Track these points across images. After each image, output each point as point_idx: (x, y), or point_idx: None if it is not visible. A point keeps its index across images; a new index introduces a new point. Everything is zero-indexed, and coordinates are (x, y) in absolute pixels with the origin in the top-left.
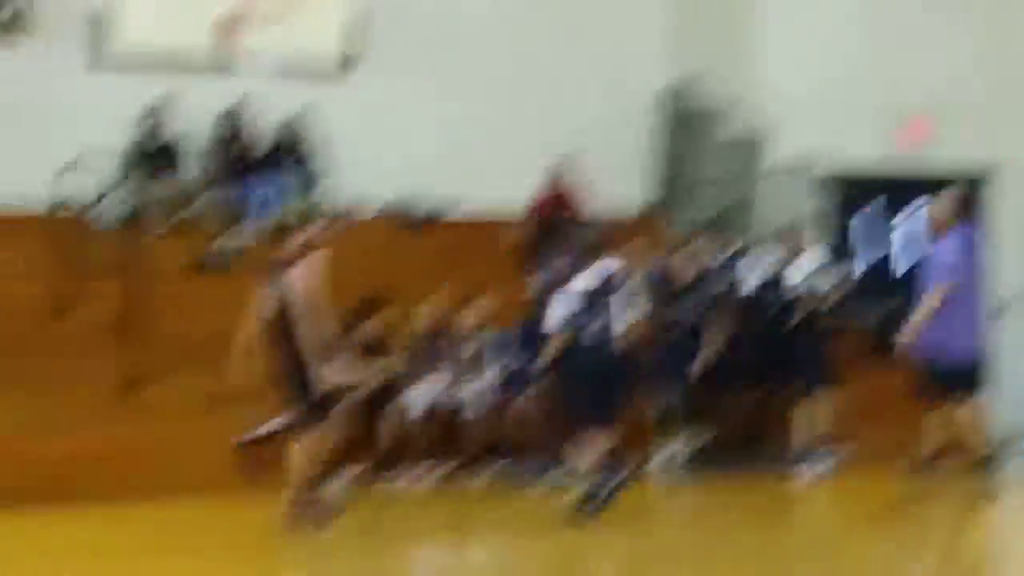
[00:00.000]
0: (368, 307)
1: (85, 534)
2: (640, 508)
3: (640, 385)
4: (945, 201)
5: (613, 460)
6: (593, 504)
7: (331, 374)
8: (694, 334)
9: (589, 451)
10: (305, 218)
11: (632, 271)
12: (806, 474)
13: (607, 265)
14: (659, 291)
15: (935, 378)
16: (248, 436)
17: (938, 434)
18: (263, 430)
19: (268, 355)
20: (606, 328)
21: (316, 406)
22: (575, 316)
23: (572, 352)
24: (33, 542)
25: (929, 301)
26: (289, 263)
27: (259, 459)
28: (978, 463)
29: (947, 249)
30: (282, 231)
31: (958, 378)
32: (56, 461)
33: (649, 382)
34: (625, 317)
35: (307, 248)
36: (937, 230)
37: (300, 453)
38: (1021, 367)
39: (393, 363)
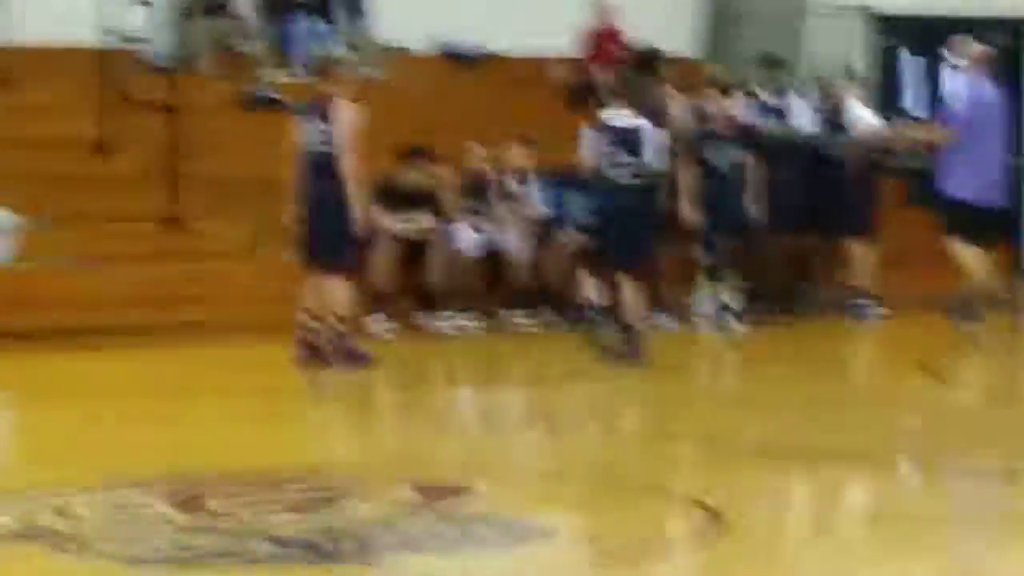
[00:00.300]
0: (412, 157)
1: (127, 372)
2: (683, 354)
3: (674, 231)
4: (976, 51)
5: (647, 304)
6: (629, 349)
7: (377, 217)
8: (738, 179)
9: (613, 293)
10: (349, 57)
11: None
12: (852, 320)
13: (644, 107)
14: (699, 135)
15: (963, 221)
16: None
17: (969, 274)
18: None
19: (312, 189)
20: (637, 169)
21: (355, 245)
22: (605, 154)
23: (604, 192)
24: (74, 379)
25: (932, 133)
26: (333, 100)
27: None
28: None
29: (969, 97)
30: (329, 68)
31: (985, 225)
32: (100, 299)
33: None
34: (656, 160)
35: (350, 90)
36: (966, 74)
37: (339, 291)
38: None
39: (434, 217)
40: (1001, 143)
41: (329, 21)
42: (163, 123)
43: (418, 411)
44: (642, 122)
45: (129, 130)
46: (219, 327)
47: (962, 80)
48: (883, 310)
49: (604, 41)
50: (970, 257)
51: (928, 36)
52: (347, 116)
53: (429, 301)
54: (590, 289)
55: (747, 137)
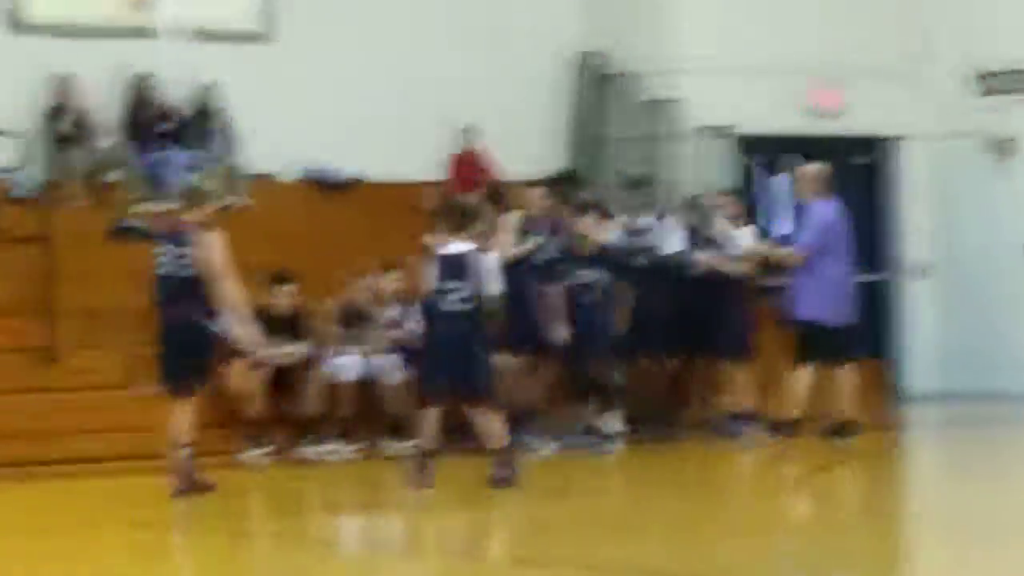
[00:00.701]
0: (280, 282)
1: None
2: (558, 477)
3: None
4: (813, 169)
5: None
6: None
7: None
8: (606, 301)
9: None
10: (219, 186)
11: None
12: (729, 441)
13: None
14: (563, 257)
15: (809, 343)
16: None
17: (800, 398)
18: None
19: (166, 315)
20: (462, 295)
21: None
22: (437, 281)
23: (432, 319)
24: None
25: (785, 255)
26: (203, 227)
27: None
28: (836, 428)
29: (813, 215)
30: (195, 196)
31: (831, 344)
32: None
33: (568, 351)
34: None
35: (217, 217)
36: (804, 195)
37: (182, 416)
38: (927, 333)
39: (306, 344)
40: (847, 261)
41: (199, 149)
42: (35, 254)
43: (296, 538)
44: (470, 248)
45: (3, 263)
46: (94, 459)
47: (813, 204)
48: (758, 429)
49: (469, 166)
50: (802, 384)
51: (788, 156)
52: (211, 242)
53: (304, 428)
54: (428, 418)
55: (606, 259)
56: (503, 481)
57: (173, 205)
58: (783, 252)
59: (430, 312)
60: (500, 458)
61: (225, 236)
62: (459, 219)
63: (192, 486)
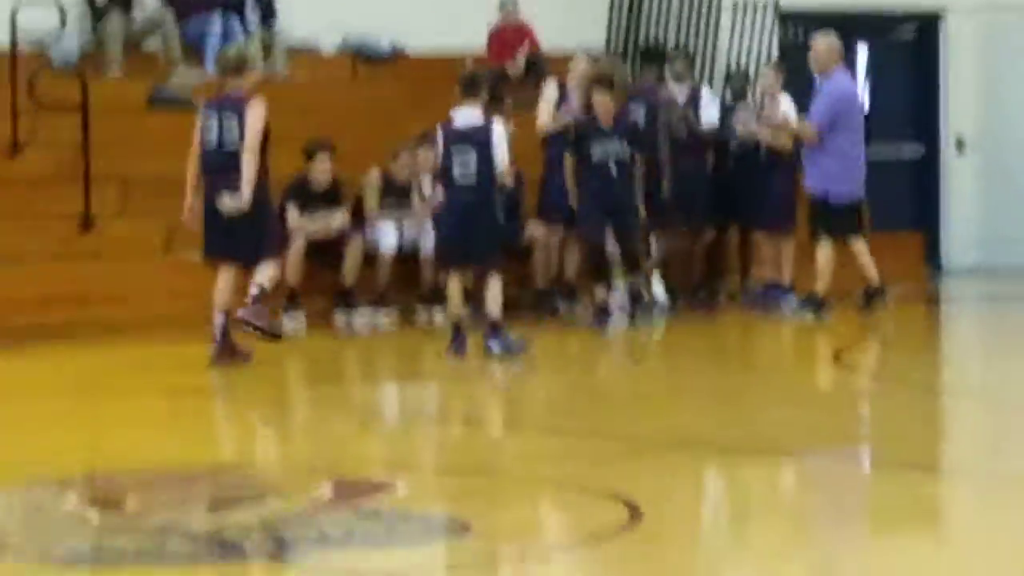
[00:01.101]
0: (313, 152)
1: (41, 372)
2: (595, 348)
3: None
4: (825, 42)
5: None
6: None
7: (289, 215)
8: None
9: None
10: (257, 54)
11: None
12: (766, 313)
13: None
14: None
15: (822, 217)
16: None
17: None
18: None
19: (218, 186)
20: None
21: (270, 240)
22: (445, 154)
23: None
24: None
25: (800, 128)
26: (243, 98)
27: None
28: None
29: (826, 89)
30: (239, 65)
31: (842, 219)
32: (13, 299)
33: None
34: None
35: (255, 86)
36: (820, 70)
37: (226, 282)
38: (967, 207)
39: (343, 213)
40: (859, 136)
41: (238, 17)
42: (74, 124)
43: (333, 408)
44: (481, 120)
45: (40, 131)
46: (133, 326)
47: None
48: (795, 302)
49: (507, 38)
50: (822, 258)
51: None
52: (254, 112)
53: (343, 298)
54: (450, 288)
55: (630, 132)
56: (491, 349)
57: (212, 73)
58: (799, 125)
59: (442, 182)
60: (493, 328)
61: (265, 104)
62: (466, 88)
63: (231, 354)
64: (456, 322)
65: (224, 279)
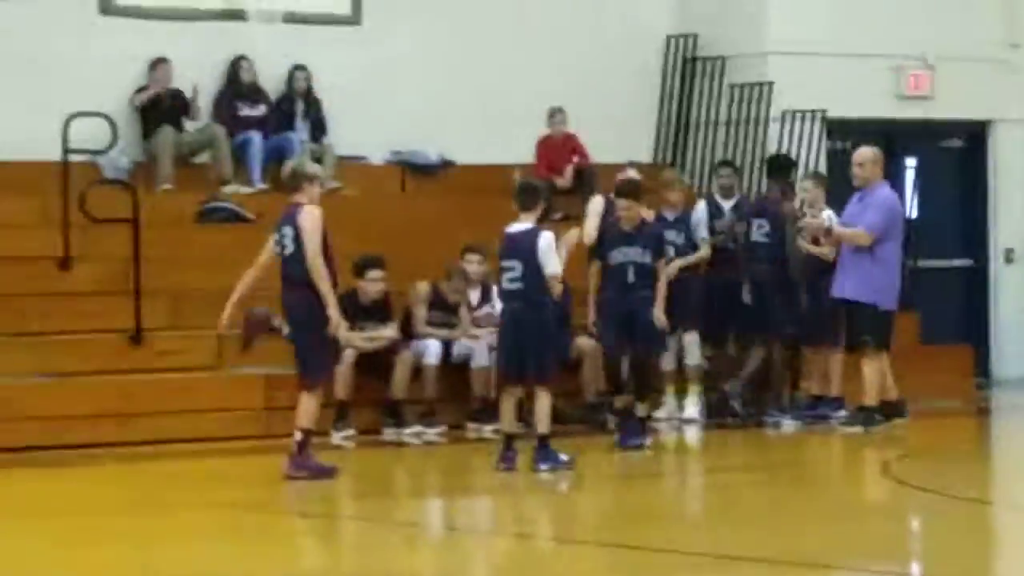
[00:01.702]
0: (364, 267)
1: (93, 489)
2: (650, 462)
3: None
4: (871, 153)
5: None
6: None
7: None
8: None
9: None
10: (312, 168)
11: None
12: (816, 426)
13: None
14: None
15: (871, 327)
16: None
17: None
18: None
19: (283, 300)
20: (518, 274)
21: (323, 355)
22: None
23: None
24: (40, 497)
25: (853, 235)
26: (300, 208)
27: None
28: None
29: (878, 198)
30: (298, 179)
31: (885, 328)
32: (64, 414)
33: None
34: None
35: (311, 199)
36: (864, 181)
37: (304, 404)
38: (1016, 318)
39: (393, 327)
40: (901, 246)
41: (288, 133)
42: (125, 237)
43: (381, 522)
44: (531, 227)
45: (91, 244)
46: (183, 441)
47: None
48: (847, 413)
49: (556, 149)
50: (874, 370)
51: (882, 140)
52: (311, 221)
53: (393, 412)
54: (503, 406)
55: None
56: (540, 469)
57: (262, 188)
58: (851, 232)
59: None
60: (541, 444)
61: (321, 213)
62: (522, 199)
63: (308, 471)
64: (507, 436)
65: (303, 396)
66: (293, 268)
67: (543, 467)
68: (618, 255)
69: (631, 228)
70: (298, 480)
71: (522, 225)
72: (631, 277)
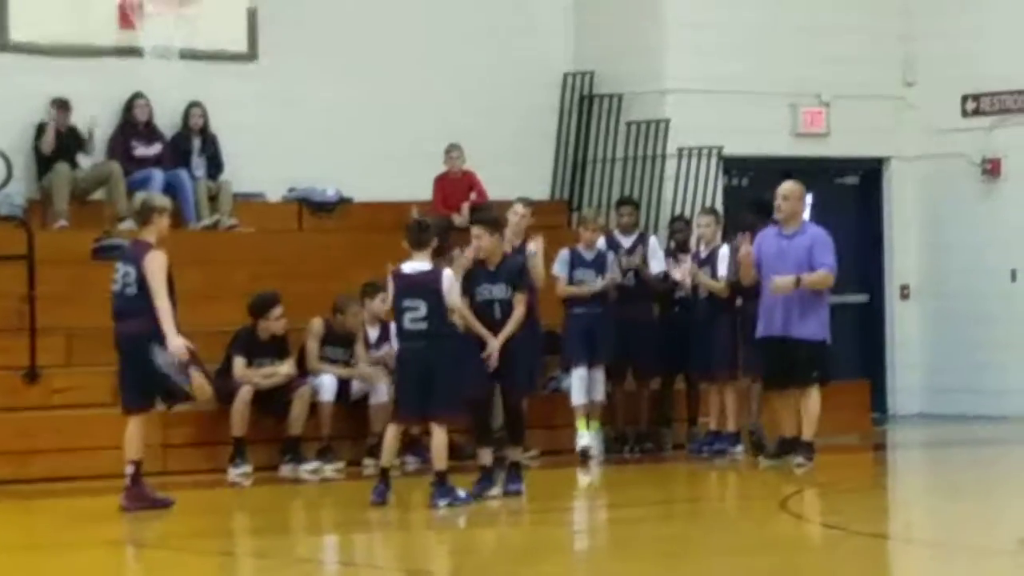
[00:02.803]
0: (268, 307)
1: None
2: (548, 494)
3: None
4: (796, 188)
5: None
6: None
7: (236, 366)
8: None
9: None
10: (160, 201)
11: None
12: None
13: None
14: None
15: (824, 363)
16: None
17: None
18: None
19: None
20: (420, 315)
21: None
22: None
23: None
24: None
25: (819, 279)
26: (142, 244)
27: None
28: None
29: (821, 237)
30: (146, 213)
31: (826, 364)
32: None
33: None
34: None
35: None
36: (789, 216)
37: (131, 432)
38: (912, 355)
39: (291, 364)
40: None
41: (184, 169)
42: (20, 274)
43: (277, 558)
44: (430, 267)
45: None
46: (80, 479)
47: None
48: (744, 448)
49: (453, 187)
50: (817, 403)
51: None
52: (152, 260)
53: (290, 448)
54: (388, 441)
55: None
56: (437, 505)
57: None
58: (818, 277)
59: (397, 328)
60: (439, 480)
61: (164, 255)
62: (414, 237)
63: (144, 503)
64: (383, 470)
65: (130, 426)
66: (130, 305)
67: (441, 503)
68: (482, 293)
69: (493, 264)
70: (133, 512)
71: (419, 265)
72: (498, 315)
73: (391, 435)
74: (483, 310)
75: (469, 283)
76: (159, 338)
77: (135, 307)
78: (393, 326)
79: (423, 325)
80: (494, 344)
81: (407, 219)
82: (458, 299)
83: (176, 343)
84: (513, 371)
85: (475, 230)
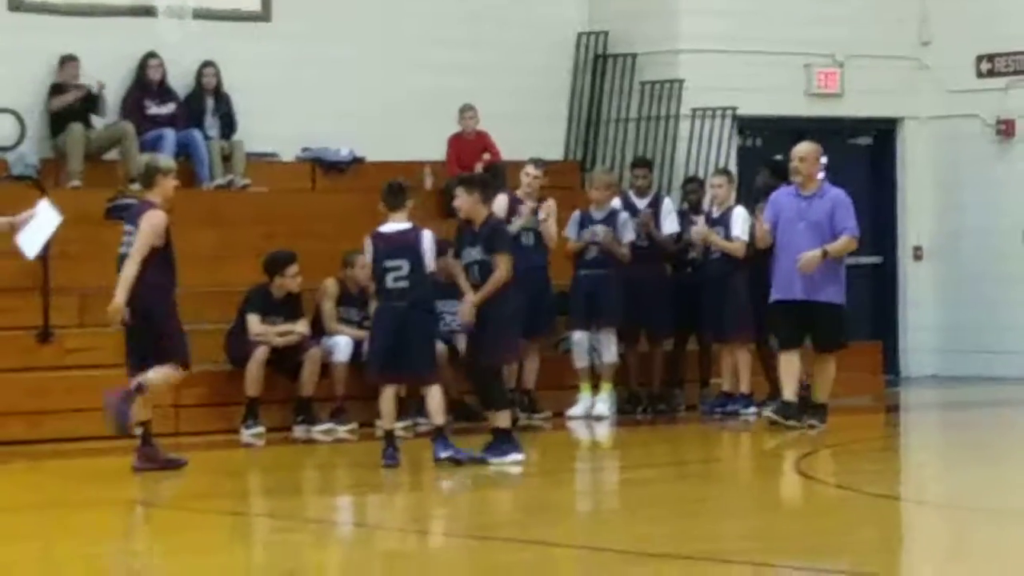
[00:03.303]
0: (284, 264)
1: (1, 486)
2: (562, 455)
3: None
4: (813, 148)
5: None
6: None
7: (251, 325)
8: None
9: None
10: (164, 162)
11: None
12: (726, 422)
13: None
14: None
15: (843, 327)
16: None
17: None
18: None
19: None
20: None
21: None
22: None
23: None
24: None
25: (846, 244)
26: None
27: None
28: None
29: (843, 198)
30: (151, 175)
31: (845, 329)
32: None
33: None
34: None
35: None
36: (806, 176)
37: (164, 375)
38: (926, 315)
39: (305, 323)
40: (803, 244)
41: (197, 128)
42: None
43: (292, 518)
44: (410, 226)
45: None
46: (93, 439)
47: (831, 188)
48: (757, 408)
49: (467, 147)
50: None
51: (792, 137)
52: (149, 225)
53: (303, 409)
54: (384, 403)
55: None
56: (439, 458)
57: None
58: (844, 243)
59: (377, 289)
60: (438, 434)
61: (166, 217)
62: (390, 199)
63: (155, 463)
64: (387, 433)
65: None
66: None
67: (443, 455)
68: (466, 255)
69: (476, 226)
70: (145, 472)
71: (398, 225)
72: (476, 277)
73: (386, 397)
74: (466, 271)
75: (458, 244)
76: (164, 303)
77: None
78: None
79: (405, 284)
80: (466, 302)
81: (420, 179)
82: (432, 262)
83: (115, 304)
84: (480, 334)
85: (456, 190)
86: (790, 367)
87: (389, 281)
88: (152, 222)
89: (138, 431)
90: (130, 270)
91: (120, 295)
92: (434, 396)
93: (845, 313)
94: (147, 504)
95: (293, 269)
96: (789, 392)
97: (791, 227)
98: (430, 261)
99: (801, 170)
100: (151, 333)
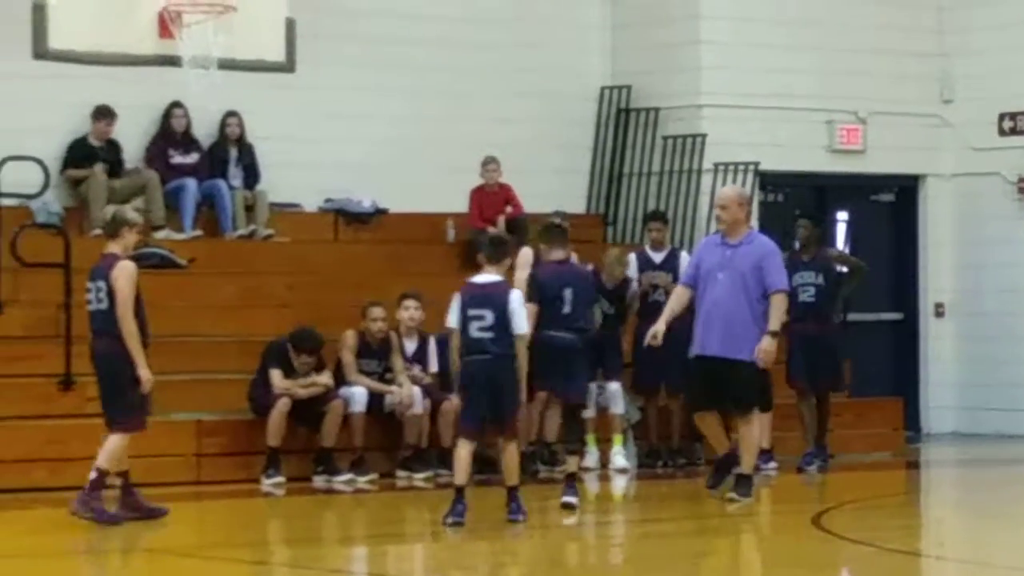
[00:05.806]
0: (298, 343)
1: (22, 534)
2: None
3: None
4: (733, 194)
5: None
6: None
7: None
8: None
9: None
10: (131, 215)
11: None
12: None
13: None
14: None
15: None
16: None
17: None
18: None
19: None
20: (488, 324)
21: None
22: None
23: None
24: None
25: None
26: (111, 259)
27: None
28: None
29: (774, 249)
30: (116, 227)
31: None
32: None
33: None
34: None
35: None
36: (731, 223)
37: (113, 443)
38: (947, 373)
39: (328, 375)
40: (722, 295)
41: (220, 179)
42: (56, 281)
43: (312, 568)
44: (501, 280)
45: (22, 288)
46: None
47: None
48: (774, 465)
49: (490, 200)
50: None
51: (815, 194)
52: (123, 279)
53: (324, 460)
54: (461, 459)
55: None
56: (517, 520)
57: (195, 234)
58: (779, 305)
59: (462, 342)
60: (513, 495)
61: (132, 269)
62: (490, 251)
63: (92, 512)
64: (461, 488)
65: (109, 440)
66: (103, 322)
67: (520, 518)
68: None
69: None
70: (80, 519)
71: (490, 277)
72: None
73: (464, 452)
74: None
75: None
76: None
77: (110, 322)
78: (432, 343)
79: (490, 335)
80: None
81: (443, 231)
82: (526, 326)
83: (146, 375)
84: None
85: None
86: (708, 428)
87: (473, 330)
88: (126, 274)
89: (117, 482)
90: (128, 327)
91: (141, 365)
92: (514, 453)
93: (757, 370)
94: (169, 552)
95: (306, 358)
96: (722, 450)
97: (710, 277)
98: (520, 322)
99: (722, 217)
100: (110, 388)
